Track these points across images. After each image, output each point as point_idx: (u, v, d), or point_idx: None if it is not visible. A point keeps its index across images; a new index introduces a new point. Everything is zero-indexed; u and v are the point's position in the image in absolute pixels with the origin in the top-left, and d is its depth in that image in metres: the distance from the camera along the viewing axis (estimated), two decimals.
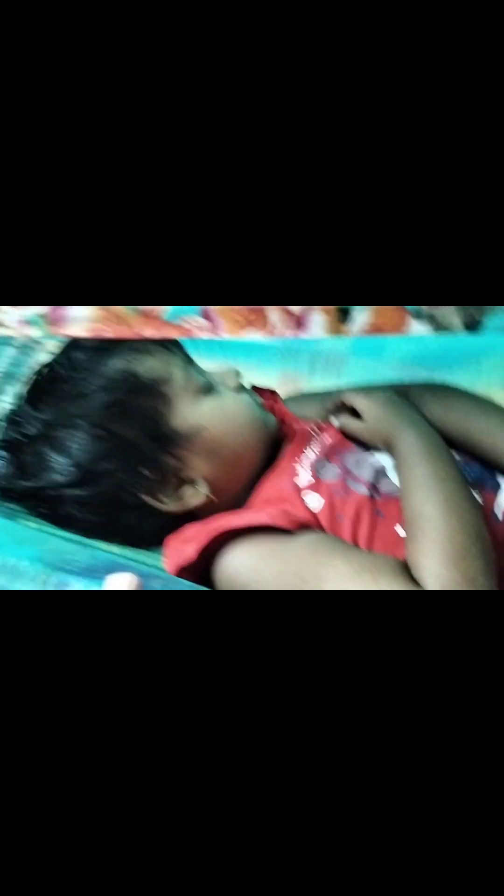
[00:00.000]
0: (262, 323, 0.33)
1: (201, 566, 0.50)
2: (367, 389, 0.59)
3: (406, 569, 0.47)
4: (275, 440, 0.60)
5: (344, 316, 0.33)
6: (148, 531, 0.54)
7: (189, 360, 0.56)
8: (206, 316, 0.34)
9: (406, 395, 0.59)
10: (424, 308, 0.32)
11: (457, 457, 0.56)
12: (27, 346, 0.67)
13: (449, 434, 0.57)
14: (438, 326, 0.32)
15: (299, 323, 0.33)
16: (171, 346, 0.56)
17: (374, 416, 0.56)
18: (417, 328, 0.32)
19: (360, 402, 0.57)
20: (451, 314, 0.31)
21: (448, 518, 0.47)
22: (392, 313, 0.32)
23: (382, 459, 0.55)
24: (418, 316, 0.32)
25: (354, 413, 0.58)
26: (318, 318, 0.33)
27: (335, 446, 0.57)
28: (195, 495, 0.54)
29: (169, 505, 0.53)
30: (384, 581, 0.46)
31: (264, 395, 0.65)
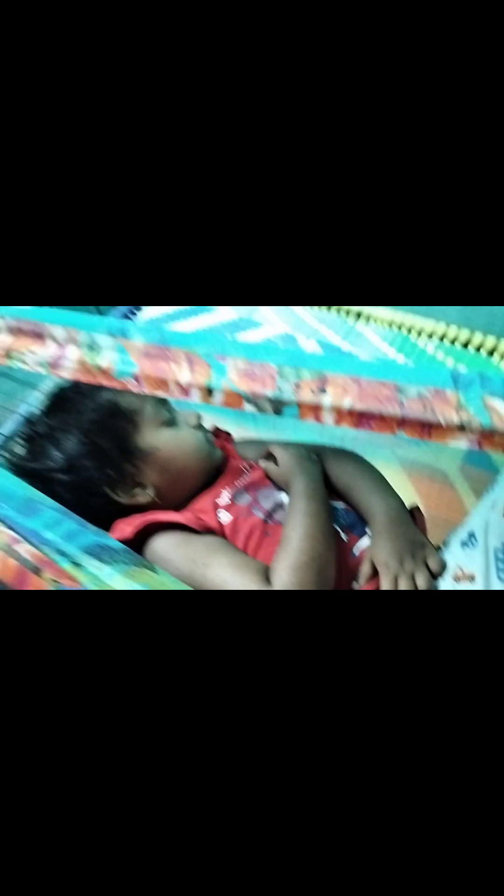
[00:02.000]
0: (167, 389, 0.54)
1: (134, 543, 0.71)
2: (289, 445, 0.80)
3: (267, 572, 0.66)
4: (217, 469, 0.81)
5: (210, 393, 0.53)
6: (108, 515, 0.76)
7: (163, 401, 0.78)
8: (137, 379, 0.55)
9: (319, 453, 0.80)
10: (252, 395, 0.52)
11: (342, 505, 0.76)
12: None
13: (338, 488, 0.77)
14: (259, 408, 0.52)
15: (185, 391, 0.54)
16: None
17: (284, 464, 0.76)
18: (248, 407, 0.52)
19: (278, 453, 0.77)
20: (265, 402, 0.51)
21: (302, 541, 0.66)
22: (233, 395, 0.52)
23: (285, 498, 0.75)
24: (248, 400, 0.52)
25: (276, 460, 0.78)
26: (195, 392, 0.54)
27: (256, 482, 0.78)
28: (143, 496, 0.75)
29: (122, 498, 0.75)
30: (247, 576, 0.65)
31: (221, 435, 0.86)
